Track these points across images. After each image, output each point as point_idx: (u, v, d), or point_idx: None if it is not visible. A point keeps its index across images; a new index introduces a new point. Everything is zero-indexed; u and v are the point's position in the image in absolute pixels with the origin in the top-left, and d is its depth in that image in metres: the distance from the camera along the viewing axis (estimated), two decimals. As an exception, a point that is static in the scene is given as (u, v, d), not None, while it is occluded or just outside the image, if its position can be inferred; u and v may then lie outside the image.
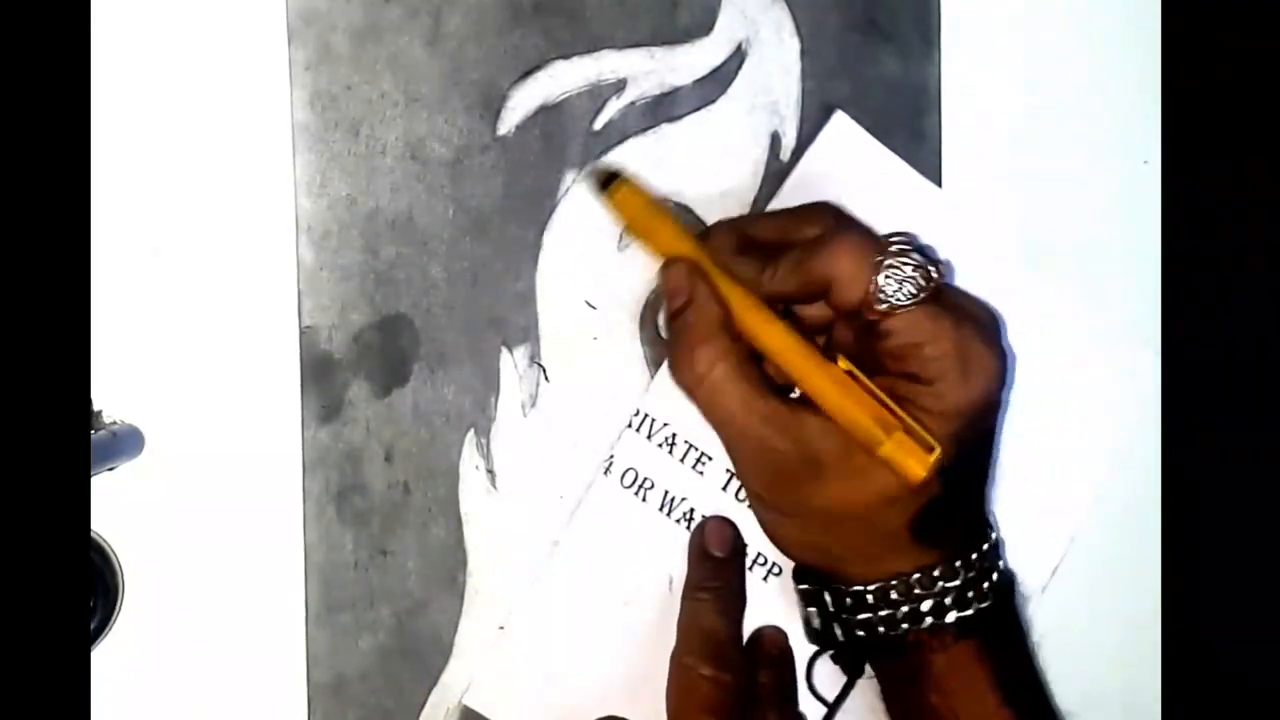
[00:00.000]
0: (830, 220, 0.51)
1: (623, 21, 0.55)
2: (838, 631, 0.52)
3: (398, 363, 0.55)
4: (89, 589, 0.52)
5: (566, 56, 0.55)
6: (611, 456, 0.55)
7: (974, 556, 0.50)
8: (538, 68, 0.55)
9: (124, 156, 0.53)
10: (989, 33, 0.57)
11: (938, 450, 0.47)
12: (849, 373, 0.48)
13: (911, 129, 0.57)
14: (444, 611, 0.55)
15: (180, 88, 0.53)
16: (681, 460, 0.56)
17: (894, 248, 0.48)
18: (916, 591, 0.50)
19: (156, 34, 0.53)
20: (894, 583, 0.50)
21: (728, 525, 0.55)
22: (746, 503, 0.55)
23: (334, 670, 0.54)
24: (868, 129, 0.56)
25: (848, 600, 0.51)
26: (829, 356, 0.49)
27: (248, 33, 0.53)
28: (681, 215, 0.56)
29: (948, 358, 0.48)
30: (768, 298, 0.50)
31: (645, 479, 0.55)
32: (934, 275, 0.48)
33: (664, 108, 0.56)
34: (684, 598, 0.55)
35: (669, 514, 0.56)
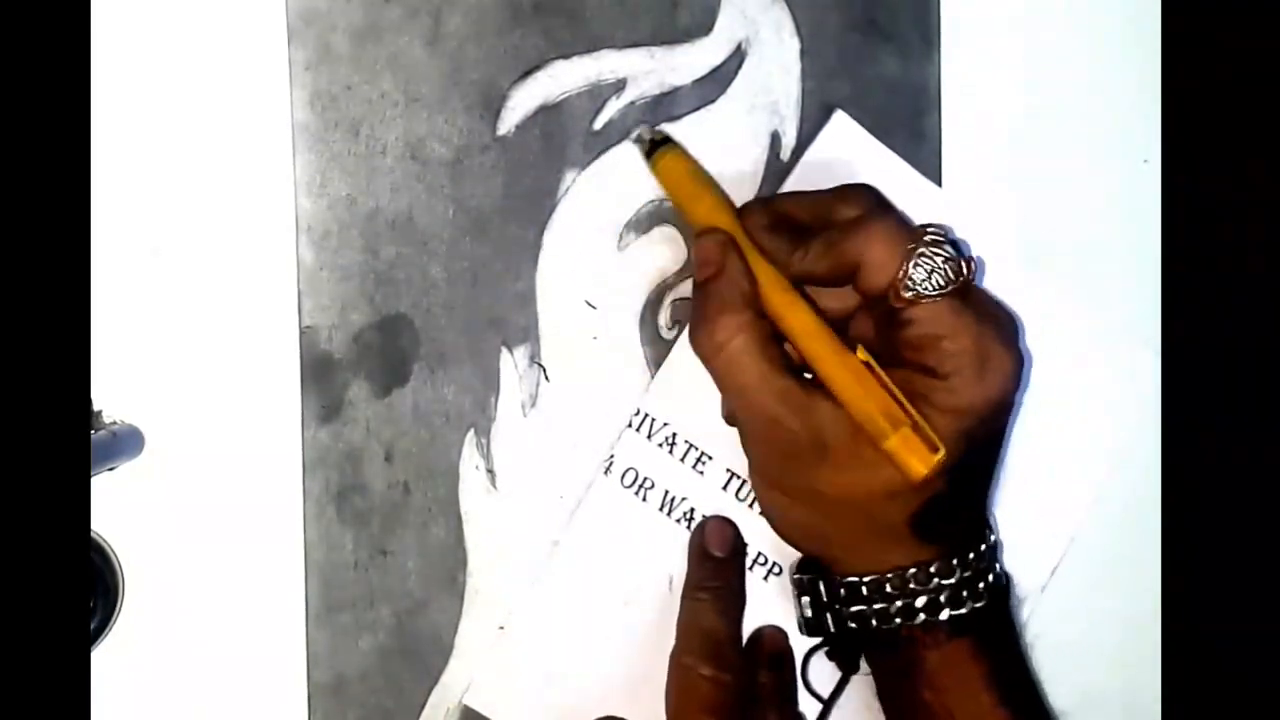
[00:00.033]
0: (868, 201, 0.51)
1: (623, 21, 0.55)
2: (830, 622, 0.52)
3: (398, 363, 0.55)
4: (89, 589, 0.52)
5: (566, 56, 0.55)
6: (611, 456, 0.55)
7: (971, 556, 0.50)
8: (538, 68, 0.55)
9: (124, 156, 0.53)
10: (989, 33, 0.57)
11: (942, 451, 0.47)
12: (866, 364, 0.48)
13: (911, 129, 0.57)
14: (444, 611, 0.55)
15: (180, 88, 0.53)
16: (681, 460, 0.56)
17: (928, 237, 0.48)
18: (912, 586, 0.50)
19: (156, 34, 0.53)
20: (890, 576, 0.50)
21: (728, 525, 0.55)
22: (747, 503, 0.55)
23: (334, 670, 0.54)
24: (868, 129, 0.56)
25: (842, 591, 0.51)
26: (848, 346, 0.49)
27: (248, 33, 0.53)
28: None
29: (966, 354, 0.48)
30: (796, 278, 0.50)
31: (645, 479, 0.55)
32: (964, 270, 0.48)
33: (664, 108, 0.56)
34: (684, 598, 0.55)
35: (669, 514, 0.56)
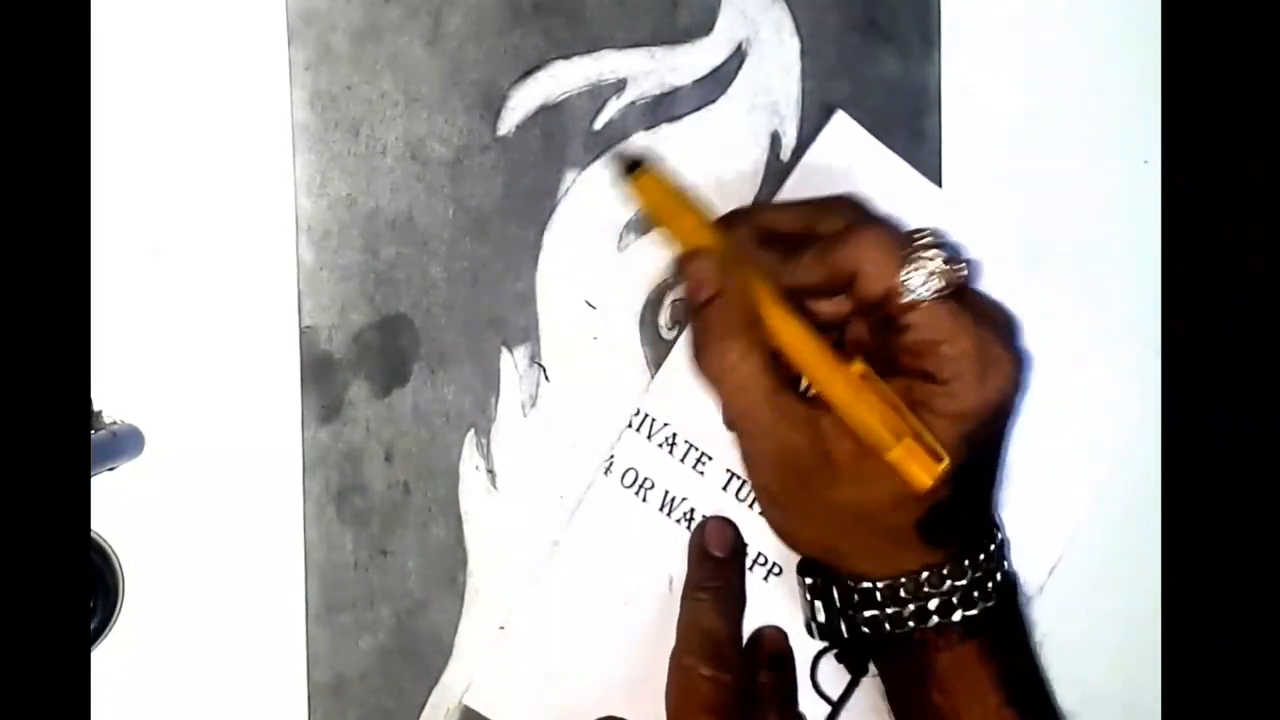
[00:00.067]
0: (852, 212, 0.51)
1: (623, 21, 0.55)
2: (843, 627, 0.52)
3: (398, 363, 0.55)
4: (89, 589, 0.52)
5: (566, 56, 0.55)
6: (611, 456, 0.55)
7: (981, 556, 0.50)
8: (538, 68, 0.55)
9: (124, 156, 0.53)
10: (989, 33, 0.57)
11: (946, 460, 0.47)
12: (864, 376, 0.48)
13: (911, 129, 0.57)
14: (444, 611, 0.55)
15: (180, 88, 0.53)
16: (681, 460, 0.56)
17: (921, 242, 0.48)
18: (925, 590, 0.50)
19: (156, 34, 0.53)
20: (903, 580, 0.50)
21: (728, 525, 0.55)
22: (747, 503, 0.55)
23: (334, 670, 0.54)
24: (868, 129, 0.56)
25: (855, 596, 0.51)
26: (843, 356, 0.49)
27: (248, 33, 0.53)
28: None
29: (966, 357, 0.48)
30: (788, 290, 0.50)
31: (645, 479, 0.55)
32: (959, 272, 0.48)
33: (664, 108, 0.56)
34: (684, 598, 0.55)
35: (669, 514, 0.56)
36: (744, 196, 0.56)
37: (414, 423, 0.55)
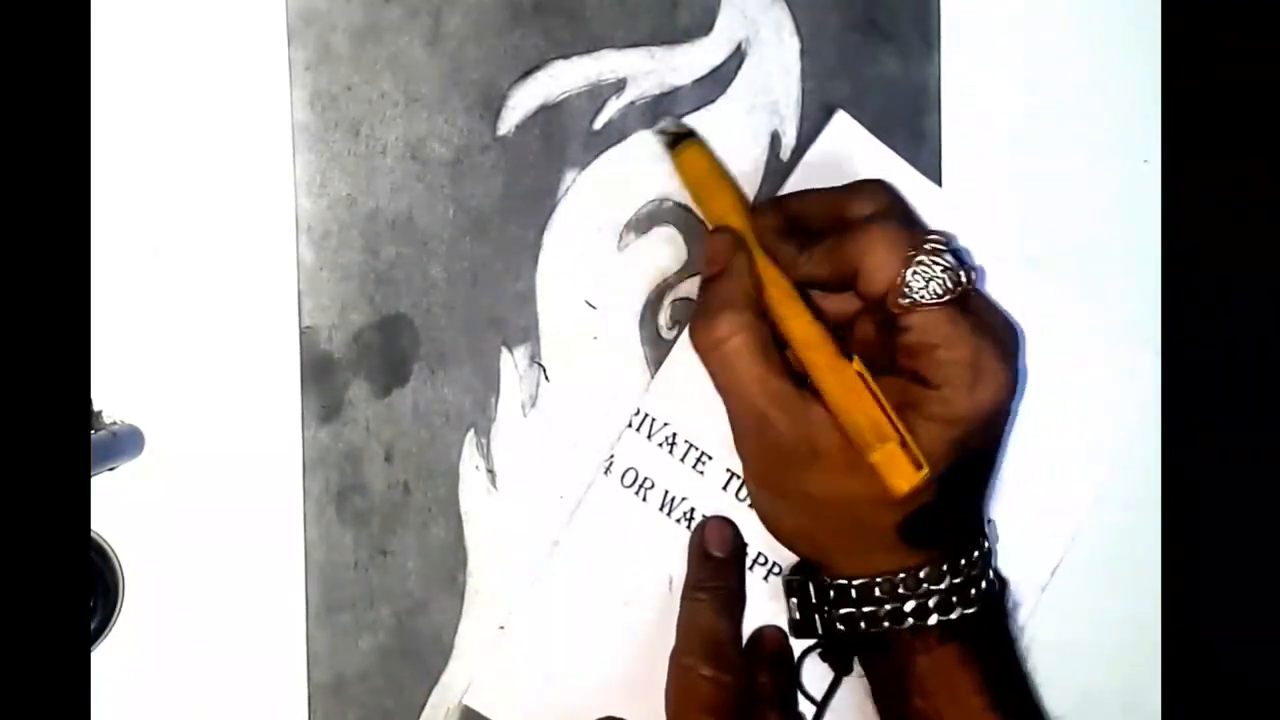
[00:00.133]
0: (879, 200, 0.51)
1: (623, 21, 0.55)
2: (818, 624, 0.52)
3: (398, 363, 0.55)
4: (89, 589, 0.52)
5: (566, 56, 0.55)
6: (611, 456, 0.55)
7: (963, 563, 0.50)
8: (538, 68, 0.55)
9: (124, 156, 0.53)
10: (989, 33, 0.57)
11: (925, 470, 0.47)
12: (860, 375, 0.48)
13: (911, 129, 0.57)
14: (444, 611, 0.55)
15: (180, 88, 0.53)
16: (681, 460, 0.56)
17: (928, 245, 0.48)
18: (900, 591, 0.50)
19: (156, 34, 0.53)
20: (879, 580, 0.50)
21: (728, 525, 0.55)
22: (747, 503, 0.55)
23: (334, 670, 0.54)
24: (868, 129, 0.56)
25: (831, 593, 0.51)
26: (846, 355, 0.49)
27: (248, 33, 0.53)
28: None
29: (959, 364, 0.48)
30: (801, 281, 0.50)
31: (645, 479, 0.55)
32: (963, 279, 0.48)
33: (664, 108, 0.56)
34: (683, 598, 0.55)
35: (669, 514, 0.56)
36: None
37: (414, 423, 0.55)
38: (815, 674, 0.55)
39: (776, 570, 0.56)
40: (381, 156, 0.54)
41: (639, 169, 0.55)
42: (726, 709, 0.52)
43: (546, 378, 0.56)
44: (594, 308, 0.56)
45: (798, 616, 0.53)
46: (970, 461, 0.50)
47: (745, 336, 0.49)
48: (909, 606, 0.50)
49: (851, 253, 0.49)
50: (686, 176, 0.54)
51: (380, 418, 0.55)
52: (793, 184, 0.56)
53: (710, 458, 0.56)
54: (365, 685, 0.55)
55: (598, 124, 0.55)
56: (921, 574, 0.50)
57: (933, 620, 0.50)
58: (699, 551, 0.55)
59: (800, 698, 0.55)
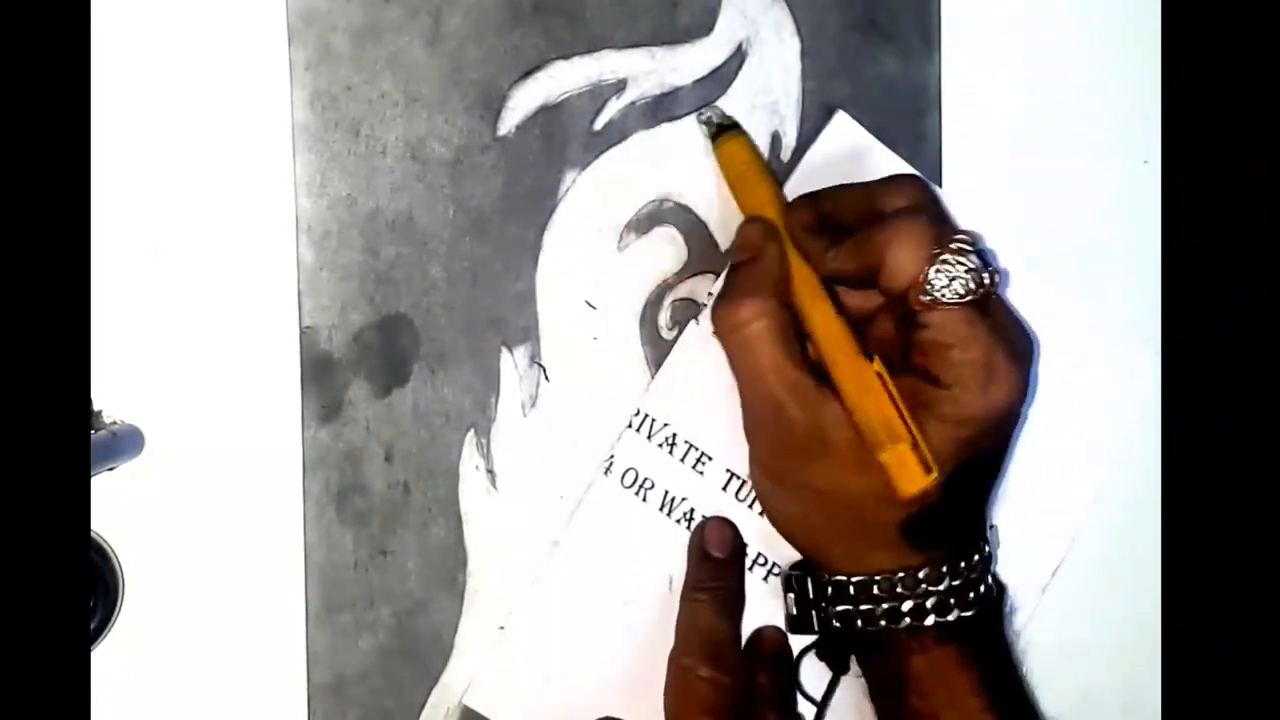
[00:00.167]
0: (912, 195, 0.51)
1: (623, 21, 0.55)
2: (815, 620, 0.52)
3: (398, 363, 0.55)
4: (89, 589, 0.52)
5: (566, 56, 0.55)
6: (611, 456, 0.55)
7: (962, 565, 0.50)
8: (538, 68, 0.55)
9: (124, 156, 0.53)
10: (989, 33, 0.57)
11: (934, 474, 0.47)
12: (879, 375, 0.48)
13: (911, 129, 0.57)
14: (444, 611, 0.55)
15: (180, 88, 0.53)
16: (681, 460, 0.56)
17: (954, 244, 0.48)
18: (899, 590, 0.50)
19: (156, 34, 0.53)
20: (877, 579, 0.50)
21: (727, 526, 0.55)
22: (747, 503, 0.55)
23: (334, 670, 0.54)
24: (868, 129, 0.56)
25: (828, 589, 0.51)
26: (867, 355, 0.49)
27: (248, 33, 0.53)
28: (675, 218, 0.56)
29: (972, 366, 0.48)
30: (828, 276, 0.51)
31: (645, 479, 0.55)
32: (985, 281, 0.48)
33: (664, 108, 0.56)
34: (683, 598, 0.55)
35: (669, 514, 0.56)
36: (744, 196, 0.56)
37: (414, 423, 0.55)
38: (813, 673, 0.55)
39: (776, 571, 0.56)
40: (381, 156, 0.54)
41: (639, 169, 0.55)
42: (725, 709, 0.52)
43: (546, 378, 0.56)
44: (594, 308, 0.56)
45: (795, 612, 0.53)
46: (977, 464, 0.50)
47: (767, 323, 0.50)
48: (906, 606, 0.50)
49: (878, 245, 0.49)
50: (726, 167, 0.54)
51: (380, 418, 0.55)
52: (793, 184, 0.56)
53: (710, 458, 0.56)
54: (365, 685, 0.55)
55: (598, 124, 0.55)
56: (921, 574, 0.50)
57: (929, 621, 0.50)
58: (699, 552, 0.55)
59: (800, 698, 0.55)
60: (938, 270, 0.48)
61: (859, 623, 0.50)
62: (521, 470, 0.55)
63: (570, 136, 0.55)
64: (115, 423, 0.53)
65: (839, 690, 0.55)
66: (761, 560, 0.56)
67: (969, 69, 0.57)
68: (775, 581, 0.55)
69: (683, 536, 0.56)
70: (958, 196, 0.57)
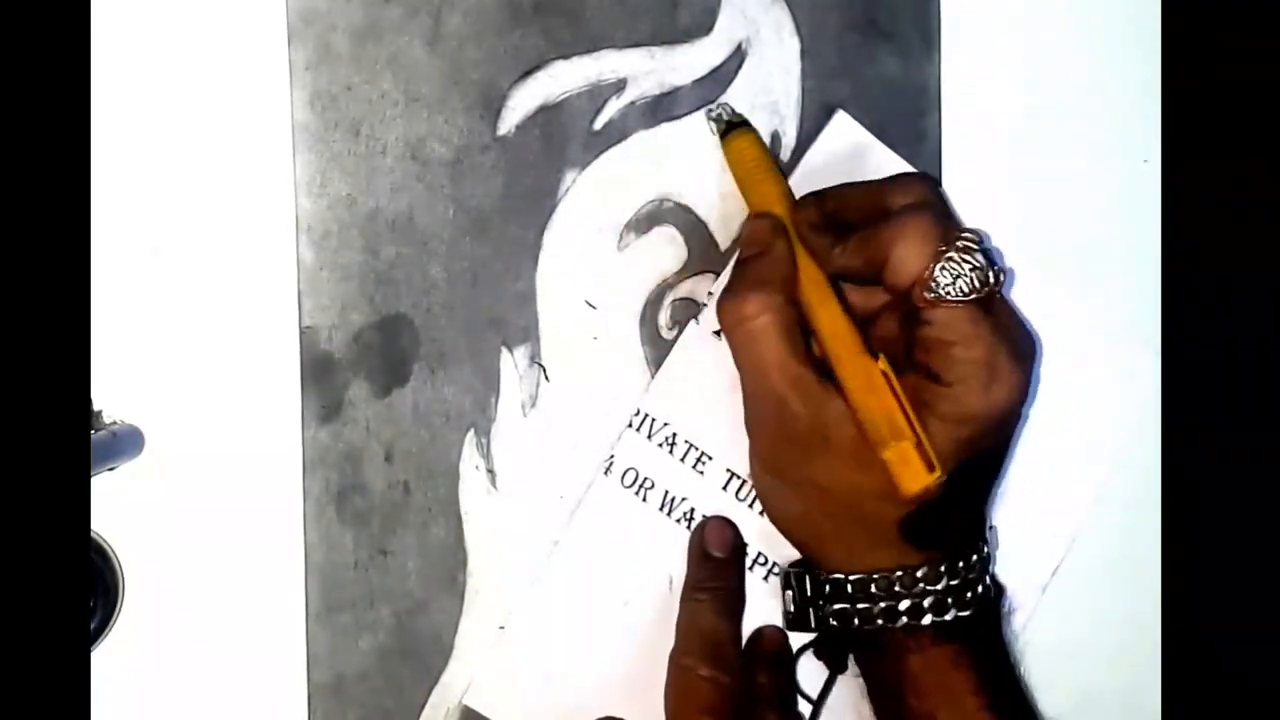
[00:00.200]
0: (919, 193, 0.51)
1: (623, 21, 0.55)
2: (812, 618, 0.52)
3: (398, 363, 0.55)
4: (89, 589, 0.52)
5: (566, 56, 0.55)
6: (611, 456, 0.55)
7: (960, 565, 0.50)
8: (538, 68, 0.55)
9: (124, 156, 0.53)
10: (989, 33, 0.57)
11: (938, 473, 0.47)
12: (884, 373, 0.48)
13: (912, 129, 0.57)
14: (444, 611, 0.55)
15: (180, 88, 0.53)
16: (681, 460, 0.56)
17: (960, 242, 0.48)
18: (896, 589, 0.50)
19: (156, 34, 0.53)
20: (875, 577, 0.50)
21: (728, 525, 0.55)
22: (747, 503, 0.55)
23: (334, 670, 0.54)
24: (868, 129, 0.56)
25: (826, 587, 0.51)
26: (872, 353, 0.49)
27: (248, 33, 0.53)
28: (674, 219, 0.56)
29: (974, 364, 0.48)
30: (834, 274, 0.51)
31: (645, 479, 0.55)
32: (991, 279, 0.48)
33: (664, 108, 0.56)
34: (683, 598, 0.55)
35: (669, 514, 0.56)
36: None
37: (414, 423, 0.55)
38: (811, 672, 0.55)
39: (776, 570, 0.56)
40: (381, 156, 0.54)
41: (639, 169, 0.55)
42: (725, 709, 0.52)
43: (546, 378, 0.56)
44: (594, 308, 0.56)
45: (792, 610, 0.53)
46: (977, 463, 0.50)
47: (773, 317, 0.50)
48: (904, 605, 0.50)
49: (884, 241, 0.49)
50: (735, 164, 0.54)
51: (380, 418, 0.55)
52: (793, 184, 0.55)
53: (710, 458, 0.56)
54: (365, 685, 0.55)
55: (598, 124, 0.55)
56: (919, 573, 0.50)
57: (926, 620, 0.50)
58: (699, 552, 0.55)
59: (798, 698, 0.55)
60: (943, 267, 0.48)
61: (856, 621, 0.50)
62: (521, 470, 0.55)
63: (570, 136, 0.55)
64: (115, 423, 0.53)
65: (837, 690, 0.55)
66: (761, 560, 0.56)
67: (969, 69, 0.57)
68: (775, 581, 0.55)
69: (683, 536, 0.56)
70: (958, 196, 0.57)
